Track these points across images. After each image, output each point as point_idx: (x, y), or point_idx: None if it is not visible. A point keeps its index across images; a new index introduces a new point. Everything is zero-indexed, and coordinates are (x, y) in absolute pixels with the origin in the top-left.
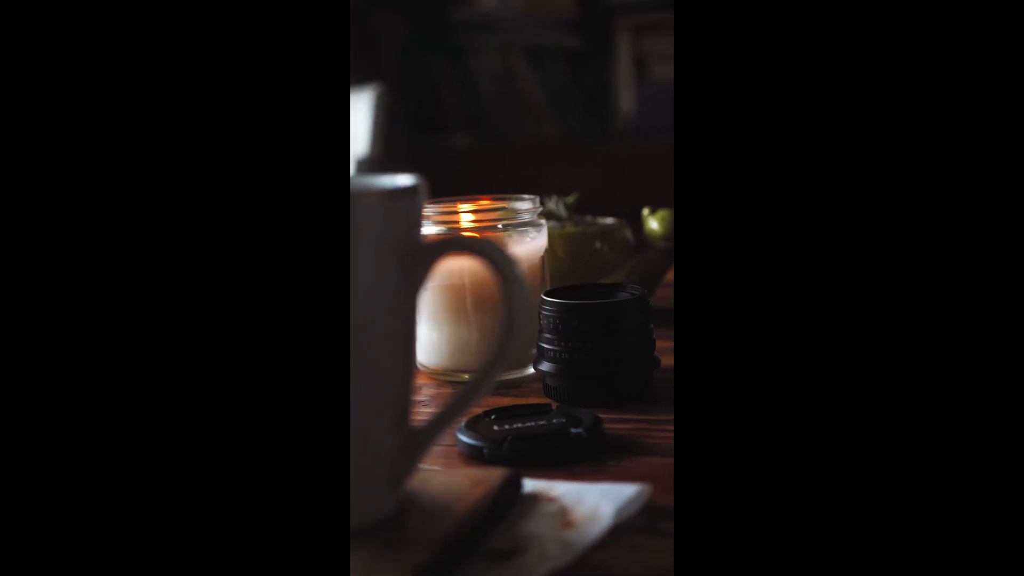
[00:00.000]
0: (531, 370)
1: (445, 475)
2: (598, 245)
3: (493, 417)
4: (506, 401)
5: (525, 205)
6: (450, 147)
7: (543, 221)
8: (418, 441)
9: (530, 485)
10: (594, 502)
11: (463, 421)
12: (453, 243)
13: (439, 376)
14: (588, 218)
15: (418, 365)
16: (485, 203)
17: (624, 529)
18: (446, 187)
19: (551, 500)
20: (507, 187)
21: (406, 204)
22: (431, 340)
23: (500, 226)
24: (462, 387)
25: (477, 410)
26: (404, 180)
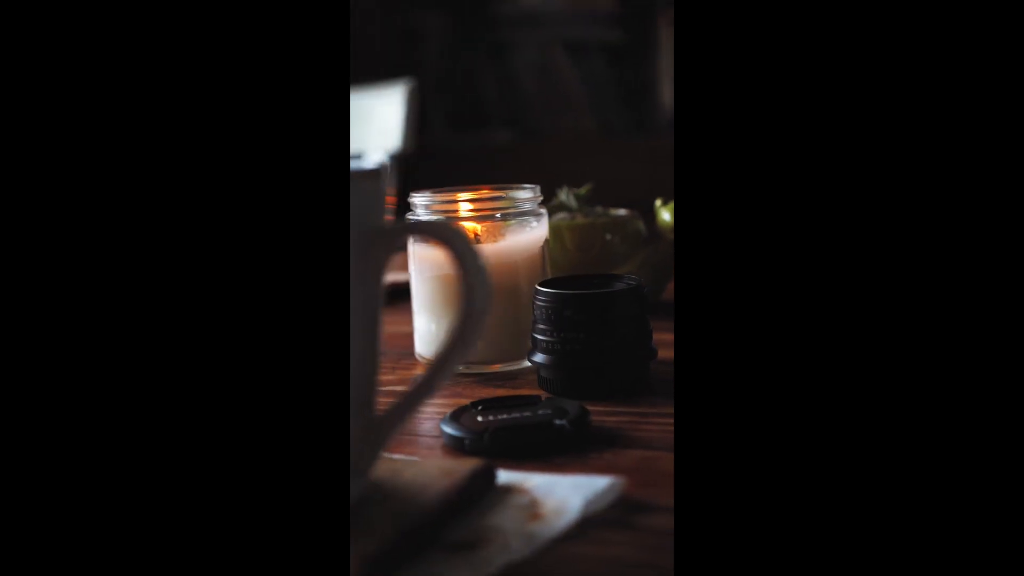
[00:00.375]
0: (527, 363)
1: (416, 466)
2: (608, 237)
3: (480, 408)
4: (500, 394)
5: (525, 194)
6: (490, 142)
7: (543, 210)
8: (379, 430)
9: (505, 477)
10: (564, 495)
11: (448, 412)
12: (414, 227)
13: None
14: (599, 209)
15: (417, 356)
16: (485, 192)
17: (595, 522)
18: (485, 182)
19: (523, 492)
20: (545, 182)
21: (367, 187)
22: (429, 331)
23: (499, 215)
24: (421, 375)
25: (464, 401)
26: (368, 163)
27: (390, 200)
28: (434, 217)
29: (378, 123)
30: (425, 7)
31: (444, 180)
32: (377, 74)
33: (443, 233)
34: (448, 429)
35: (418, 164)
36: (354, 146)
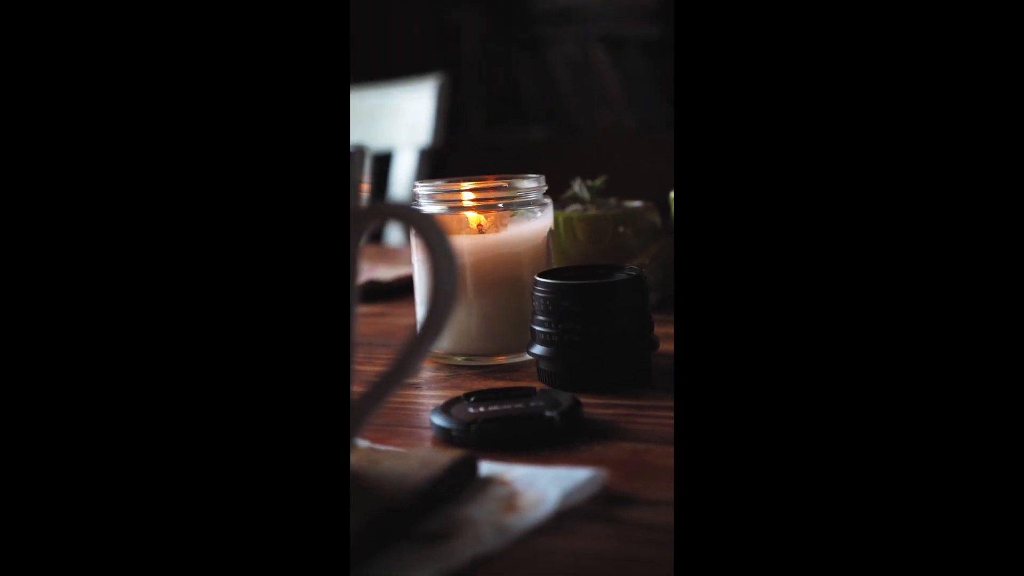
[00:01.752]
0: (528, 356)
1: (396, 456)
2: (621, 229)
3: (472, 399)
4: (499, 385)
5: (529, 184)
6: (527, 138)
7: (548, 200)
8: (352, 417)
9: (487, 468)
10: (544, 487)
11: (440, 403)
12: (383, 210)
13: (439, 359)
14: (612, 201)
15: None
16: (488, 182)
17: (574, 515)
18: None
19: (503, 484)
20: (580, 177)
21: None
22: None
23: (501, 205)
24: (391, 363)
25: (458, 392)
26: None
27: (364, 187)
28: (437, 208)
29: (408, 118)
30: (462, 3)
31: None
32: (414, 70)
33: (411, 216)
34: (437, 420)
35: (448, 160)
36: (383, 141)
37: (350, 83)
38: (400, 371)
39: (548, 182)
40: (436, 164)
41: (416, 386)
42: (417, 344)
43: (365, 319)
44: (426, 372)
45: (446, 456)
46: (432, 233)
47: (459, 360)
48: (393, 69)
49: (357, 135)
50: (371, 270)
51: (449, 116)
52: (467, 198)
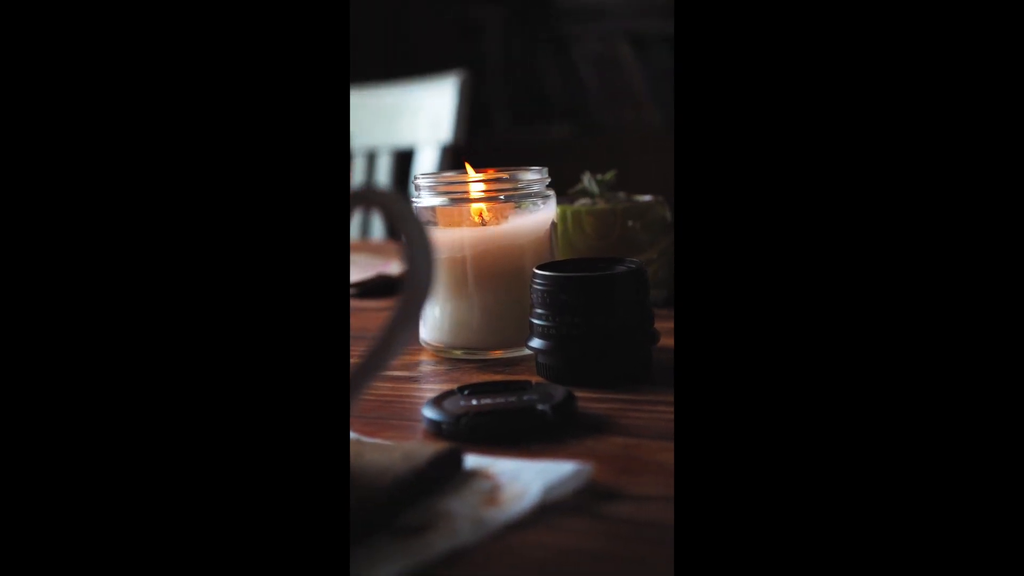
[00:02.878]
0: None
1: (380, 449)
2: (630, 223)
3: (465, 393)
4: (496, 379)
5: (532, 176)
6: (551, 135)
7: (551, 193)
8: None
9: (473, 462)
10: (528, 480)
11: (433, 396)
12: (364, 196)
13: (440, 353)
14: (621, 195)
15: (421, 342)
16: (490, 174)
17: (558, 509)
18: None
19: (487, 477)
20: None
21: None
22: (431, 316)
23: (503, 197)
24: (365, 354)
25: (452, 385)
26: None
27: None
28: (438, 200)
29: (429, 115)
30: (486, 0)
31: None
32: (437, 67)
33: (389, 203)
34: (428, 413)
35: (469, 156)
36: (405, 138)
37: (368, 80)
38: (379, 360)
39: (569, 179)
40: (458, 161)
41: (414, 380)
42: (390, 337)
43: (374, 313)
44: (425, 365)
45: (429, 449)
46: (408, 220)
47: (459, 353)
48: (416, 66)
49: (379, 132)
50: (384, 265)
51: (472, 113)
52: (469, 189)
